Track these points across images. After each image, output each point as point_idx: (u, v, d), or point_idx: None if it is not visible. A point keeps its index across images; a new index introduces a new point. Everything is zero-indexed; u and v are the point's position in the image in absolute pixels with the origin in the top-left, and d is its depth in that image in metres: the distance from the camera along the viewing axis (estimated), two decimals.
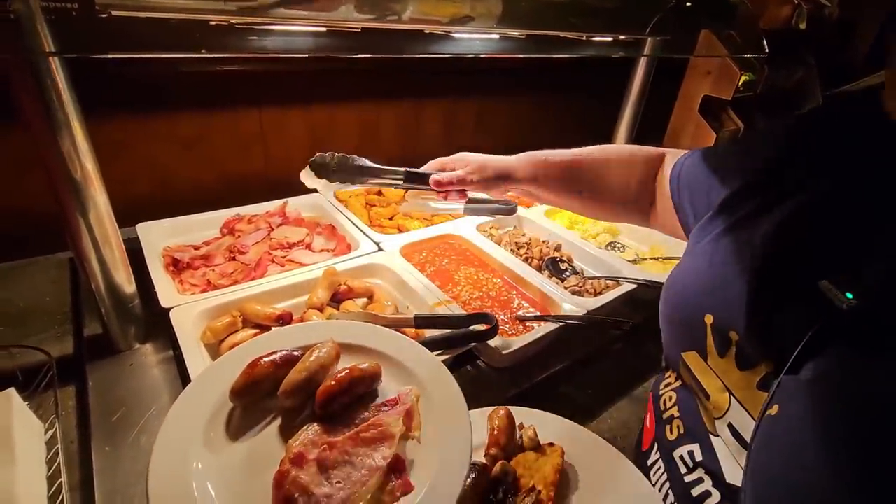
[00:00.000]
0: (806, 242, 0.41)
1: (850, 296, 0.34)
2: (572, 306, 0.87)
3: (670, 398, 0.53)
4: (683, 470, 0.48)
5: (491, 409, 0.59)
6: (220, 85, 1.25)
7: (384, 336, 0.55)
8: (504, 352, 0.75)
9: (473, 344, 0.76)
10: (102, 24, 0.52)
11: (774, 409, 0.37)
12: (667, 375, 0.56)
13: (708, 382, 0.45)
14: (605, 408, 0.81)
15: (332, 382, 0.46)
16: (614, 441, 0.75)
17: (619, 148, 0.71)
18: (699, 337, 0.45)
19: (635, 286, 0.94)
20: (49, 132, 0.59)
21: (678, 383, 0.52)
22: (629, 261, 1.06)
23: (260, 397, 0.48)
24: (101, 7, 0.50)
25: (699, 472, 0.46)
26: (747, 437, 0.40)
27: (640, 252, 1.17)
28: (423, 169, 0.73)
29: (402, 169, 0.73)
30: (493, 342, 0.75)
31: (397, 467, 0.41)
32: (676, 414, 0.51)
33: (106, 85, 1.04)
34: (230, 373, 0.48)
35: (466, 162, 0.69)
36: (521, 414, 0.60)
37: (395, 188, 0.78)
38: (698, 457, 0.46)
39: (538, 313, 0.88)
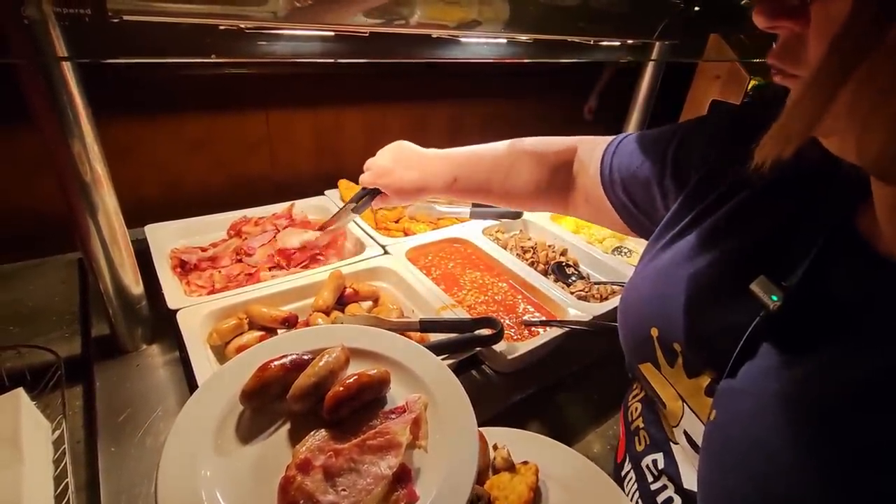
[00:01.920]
0: (735, 248, 0.41)
1: (775, 298, 0.34)
2: (578, 311, 0.86)
3: (636, 409, 0.54)
4: (650, 478, 0.49)
5: None
6: (228, 87, 1.26)
7: (394, 342, 0.55)
8: (509, 357, 0.75)
9: (478, 348, 0.75)
10: (114, 29, 0.53)
11: (713, 415, 0.38)
12: (634, 387, 0.57)
13: (663, 391, 0.46)
14: (611, 414, 0.80)
15: (341, 388, 0.46)
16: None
17: (531, 142, 0.69)
18: (649, 349, 0.46)
19: None
20: (60, 135, 0.60)
21: (642, 394, 0.53)
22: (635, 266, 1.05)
23: (270, 400, 0.48)
24: (112, 12, 0.51)
25: (663, 480, 0.47)
26: (700, 443, 0.41)
27: None
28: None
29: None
30: (498, 347, 0.75)
31: (403, 476, 0.41)
32: (642, 425, 0.52)
33: (115, 88, 1.06)
34: (239, 376, 0.48)
35: (383, 175, 0.73)
36: (495, 434, 0.59)
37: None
38: (661, 465, 0.48)
39: (544, 318, 0.88)
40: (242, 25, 0.63)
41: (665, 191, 0.51)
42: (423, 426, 0.44)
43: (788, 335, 0.35)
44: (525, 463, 0.55)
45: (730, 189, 0.44)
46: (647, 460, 0.50)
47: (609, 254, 1.12)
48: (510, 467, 0.54)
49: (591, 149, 0.63)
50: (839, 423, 0.30)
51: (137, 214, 0.98)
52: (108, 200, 0.67)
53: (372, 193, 0.76)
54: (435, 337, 0.77)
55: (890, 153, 0.26)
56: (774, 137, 0.28)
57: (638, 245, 1.21)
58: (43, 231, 0.98)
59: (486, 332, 0.73)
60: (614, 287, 0.97)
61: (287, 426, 0.47)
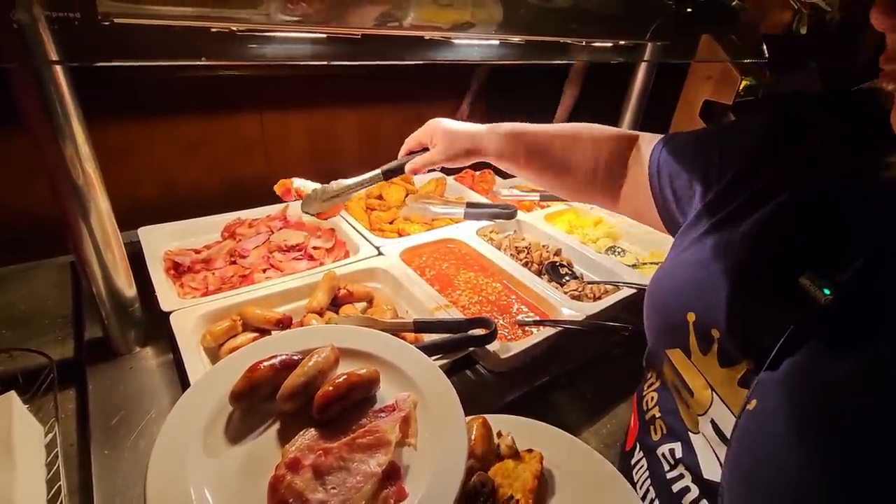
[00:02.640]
0: (785, 241, 0.41)
1: (827, 292, 0.35)
2: (572, 311, 0.87)
3: (652, 399, 0.54)
4: (666, 467, 0.49)
5: (468, 418, 0.57)
6: (222, 89, 1.26)
7: (384, 341, 0.55)
8: (503, 356, 0.75)
9: (472, 348, 0.76)
10: (105, 32, 0.53)
11: (752, 405, 0.38)
12: (648, 376, 0.56)
13: (691, 379, 0.46)
14: (605, 412, 0.81)
15: (330, 388, 0.46)
16: (614, 445, 0.75)
17: (591, 127, 0.70)
18: (682, 335, 0.46)
19: (635, 291, 0.94)
20: (52, 138, 0.60)
21: (658, 383, 0.53)
22: (629, 265, 1.06)
23: (259, 401, 0.48)
24: (102, 15, 0.51)
25: (680, 469, 0.47)
26: (728, 433, 0.41)
27: (640, 256, 1.17)
28: (401, 150, 0.77)
29: (379, 170, 0.78)
30: (491, 347, 0.75)
31: (392, 474, 0.41)
32: (658, 414, 0.52)
33: (109, 90, 1.05)
34: (230, 377, 0.48)
35: (434, 135, 0.72)
36: (500, 422, 0.59)
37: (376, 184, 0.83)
38: (679, 454, 0.48)
39: (537, 318, 0.88)
40: (234, 28, 0.63)
41: (709, 183, 0.52)
42: (413, 424, 0.44)
43: (836, 331, 0.34)
44: (530, 451, 0.55)
45: (779, 183, 0.44)
46: (664, 449, 0.50)
47: (603, 254, 1.13)
48: (515, 455, 0.55)
49: (650, 142, 0.63)
50: (881, 423, 0.30)
51: (133, 216, 0.98)
52: (100, 203, 0.67)
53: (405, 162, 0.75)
54: (429, 337, 0.78)
55: None
56: None
57: (631, 245, 1.22)
58: (36, 234, 0.98)
59: (479, 331, 0.74)
60: (607, 287, 0.98)
61: (277, 426, 0.47)
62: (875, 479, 0.30)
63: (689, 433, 0.47)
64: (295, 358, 0.50)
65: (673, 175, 0.57)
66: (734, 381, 0.41)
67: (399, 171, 0.76)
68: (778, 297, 0.39)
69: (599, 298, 0.94)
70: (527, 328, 0.86)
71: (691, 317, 0.45)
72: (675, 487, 0.47)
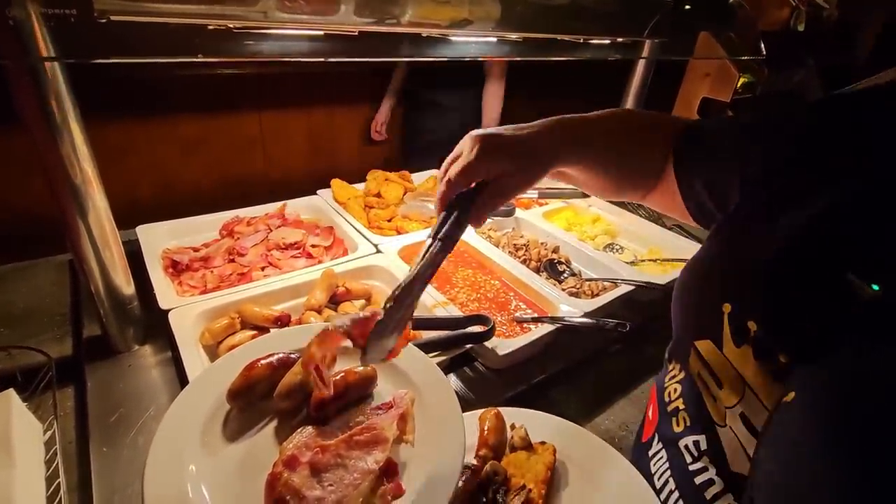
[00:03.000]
0: (834, 237, 0.39)
1: (876, 287, 0.34)
2: (570, 308, 0.87)
3: (675, 390, 0.53)
4: (689, 459, 0.48)
5: (481, 410, 0.59)
6: (221, 88, 1.26)
7: None
8: (501, 353, 0.75)
9: (470, 345, 0.76)
10: (101, 29, 0.53)
11: (790, 397, 0.37)
12: (671, 368, 0.55)
13: (721, 371, 0.45)
14: (603, 409, 0.81)
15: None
16: (612, 442, 0.75)
17: (641, 116, 0.63)
18: (715, 326, 0.44)
19: (633, 288, 0.94)
20: (49, 136, 0.60)
21: (682, 375, 0.52)
22: (627, 262, 1.06)
23: (257, 399, 0.48)
24: (99, 13, 0.51)
25: (704, 461, 0.46)
26: (759, 427, 0.40)
27: (639, 254, 1.17)
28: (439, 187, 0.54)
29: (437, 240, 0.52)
30: (490, 344, 0.75)
31: (390, 471, 0.41)
32: (682, 406, 0.51)
33: (108, 89, 1.06)
34: (228, 375, 0.48)
35: (496, 157, 0.52)
36: (513, 414, 0.60)
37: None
38: (703, 446, 0.47)
39: (535, 315, 0.89)
40: (231, 25, 0.63)
41: (748, 180, 0.48)
42: (410, 421, 0.44)
43: (885, 326, 0.34)
44: (543, 443, 0.56)
45: (826, 179, 0.42)
46: (686, 441, 0.49)
47: (601, 251, 1.13)
48: (528, 446, 0.56)
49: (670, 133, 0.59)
50: None
51: (132, 215, 0.98)
52: (98, 201, 0.67)
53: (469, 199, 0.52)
54: (427, 334, 0.78)
55: None
56: None
57: (630, 242, 1.22)
58: (35, 232, 0.98)
59: (477, 329, 0.74)
60: (605, 283, 0.98)
61: (274, 424, 0.47)
62: None
63: (716, 426, 0.46)
64: (292, 356, 0.50)
65: (706, 171, 0.54)
66: (768, 374, 0.40)
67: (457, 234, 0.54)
68: (820, 291, 0.38)
69: (597, 295, 0.94)
70: (525, 325, 0.86)
71: (727, 308, 0.44)
72: (698, 480, 0.47)
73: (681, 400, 0.51)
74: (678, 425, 0.51)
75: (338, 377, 0.47)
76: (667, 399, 0.54)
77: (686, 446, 0.49)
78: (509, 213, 0.90)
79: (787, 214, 0.43)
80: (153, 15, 0.55)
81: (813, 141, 0.45)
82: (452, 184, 0.52)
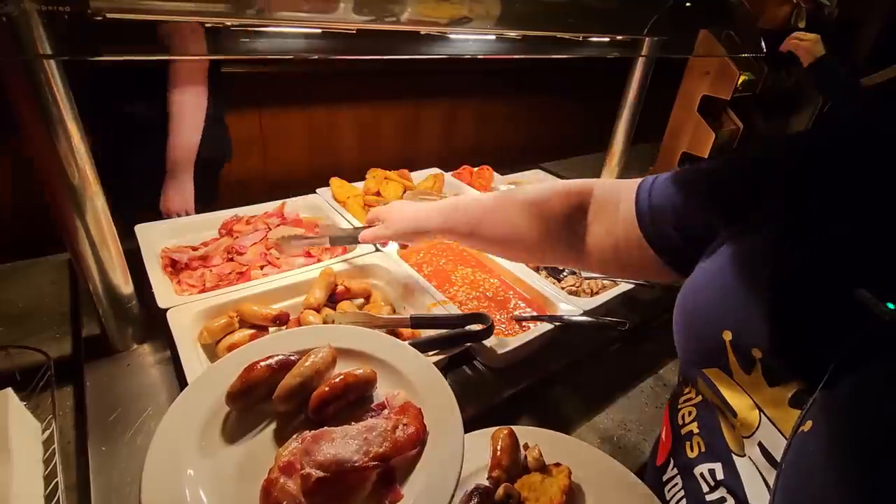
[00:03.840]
0: (834, 252, 0.38)
1: (892, 306, 0.32)
2: (569, 306, 0.87)
3: (689, 413, 0.50)
4: (705, 488, 0.46)
5: (494, 429, 0.57)
6: (221, 87, 1.26)
7: (381, 341, 0.55)
8: (500, 352, 0.75)
9: (469, 344, 0.76)
10: (97, 26, 0.53)
11: (808, 426, 0.35)
12: (686, 391, 0.52)
13: (735, 400, 0.42)
14: (603, 407, 0.81)
15: (326, 388, 0.46)
16: (611, 440, 0.75)
17: (523, 189, 0.68)
18: (719, 355, 0.42)
19: (633, 286, 0.94)
20: (45, 135, 0.59)
21: (698, 399, 0.49)
22: None
23: (256, 401, 0.48)
24: (94, 10, 0.50)
25: (721, 492, 0.44)
26: (778, 456, 0.38)
27: None
28: (365, 220, 0.85)
29: (328, 236, 0.89)
30: (489, 342, 0.75)
31: (387, 476, 0.41)
32: (696, 430, 0.48)
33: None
34: (227, 376, 0.48)
35: (390, 212, 0.79)
36: (526, 433, 0.58)
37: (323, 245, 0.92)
38: (720, 476, 0.44)
39: (535, 313, 0.88)
40: (227, 23, 0.63)
41: (734, 215, 0.46)
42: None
43: None
44: (557, 465, 0.54)
45: (824, 196, 0.40)
46: (702, 469, 0.46)
47: None
48: (542, 468, 0.54)
49: (614, 190, 0.59)
50: None
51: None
52: (96, 201, 0.66)
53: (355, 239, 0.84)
54: (426, 333, 0.78)
55: None
56: None
57: None
58: (34, 231, 0.98)
59: (476, 327, 0.74)
60: (605, 282, 0.98)
61: (273, 427, 0.47)
62: None
63: (733, 455, 0.43)
64: (292, 358, 0.50)
65: (678, 213, 0.51)
66: (784, 401, 0.38)
67: (350, 240, 0.87)
68: (829, 310, 0.36)
69: (597, 294, 0.94)
70: (524, 324, 0.86)
71: (727, 335, 0.41)
72: None
73: (695, 424, 0.49)
74: (692, 451, 0.48)
75: (337, 378, 0.47)
76: (680, 422, 0.51)
77: (702, 474, 0.46)
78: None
79: (781, 234, 0.41)
80: (150, 13, 0.55)
81: (808, 169, 0.43)
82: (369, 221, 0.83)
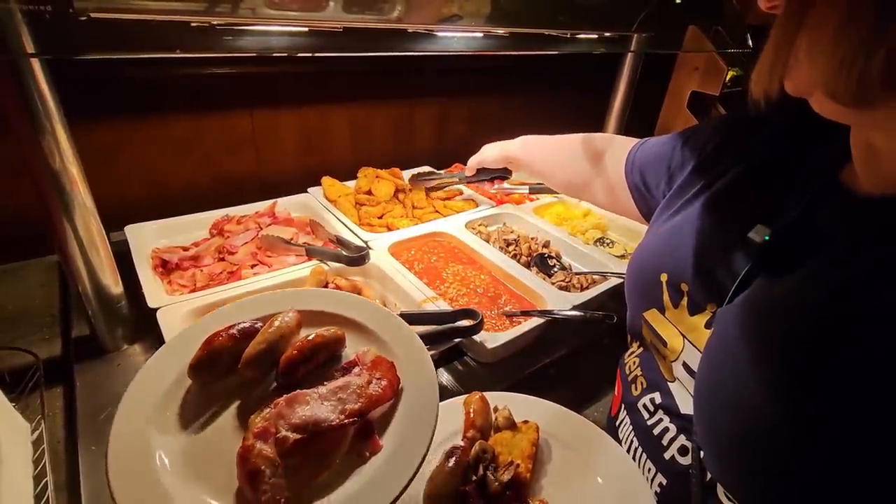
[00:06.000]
0: (736, 206, 0.51)
1: (767, 237, 0.43)
2: (559, 301, 0.87)
3: (634, 363, 0.61)
4: (646, 416, 0.56)
5: (466, 395, 0.61)
6: (212, 87, 1.25)
7: (345, 301, 0.54)
8: (490, 346, 0.76)
9: (459, 339, 0.76)
10: (82, 25, 0.53)
11: (711, 333, 0.46)
12: (630, 346, 0.65)
13: (665, 332, 0.54)
14: (593, 400, 0.82)
15: (295, 351, 0.45)
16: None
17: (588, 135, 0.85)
18: (657, 294, 0.55)
19: (622, 281, 0.95)
20: (32, 135, 0.60)
21: (640, 349, 0.61)
22: (617, 256, 1.07)
23: (221, 374, 0.46)
24: (79, 10, 0.51)
25: (659, 414, 0.55)
26: (696, 369, 0.48)
27: (629, 247, 1.18)
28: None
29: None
30: (479, 337, 0.75)
31: (366, 429, 0.42)
32: (639, 372, 0.59)
33: (98, 89, 1.05)
34: (190, 349, 0.46)
35: (481, 152, 0.99)
36: (495, 398, 0.63)
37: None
38: (658, 400, 0.55)
39: (525, 309, 0.89)
40: (214, 22, 0.63)
41: (671, 173, 0.63)
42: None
43: (775, 264, 0.43)
44: (526, 422, 0.59)
45: (731, 163, 0.54)
46: (644, 400, 0.57)
47: (591, 245, 1.13)
48: (512, 426, 0.58)
49: (624, 144, 0.77)
50: (800, 331, 0.38)
51: (124, 215, 0.98)
52: (85, 201, 0.67)
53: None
54: (416, 329, 0.78)
55: (829, 75, 0.33)
56: (759, 72, 0.37)
57: (620, 236, 1.23)
58: (24, 233, 0.98)
59: (466, 322, 0.74)
60: (594, 277, 0.98)
61: (238, 402, 0.46)
62: (811, 379, 0.36)
63: (667, 383, 0.54)
64: (257, 326, 0.48)
65: (644, 170, 0.69)
66: (701, 325, 0.50)
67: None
68: (734, 249, 0.48)
69: (587, 288, 0.95)
70: (514, 319, 0.86)
71: (664, 277, 0.54)
72: (656, 431, 0.54)
73: (638, 369, 0.60)
74: (636, 389, 0.59)
75: (305, 339, 0.46)
76: (627, 372, 0.62)
77: (644, 405, 0.57)
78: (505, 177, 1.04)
79: (703, 194, 0.54)
80: (134, 12, 0.55)
81: (715, 143, 0.57)
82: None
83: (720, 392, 0.42)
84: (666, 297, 0.54)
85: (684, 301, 0.52)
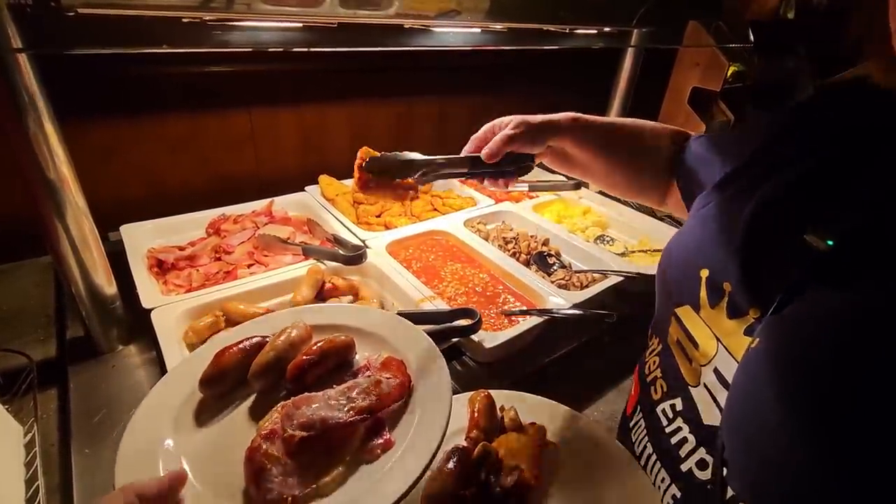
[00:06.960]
0: (792, 206, 0.46)
1: (830, 243, 0.39)
2: (558, 300, 0.86)
3: (654, 363, 0.58)
4: (664, 422, 0.53)
5: (471, 393, 0.59)
6: (210, 86, 1.25)
7: (355, 312, 0.55)
8: (488, 346, 0.75)
9: (456, 339, 0.75)
10: (70, 21, 0.52)
11: (755, 343, 0.41)
12: (651, 344, 0.60)
13: (698, 333, 0.50)
14: (593, 400, 0.81)
15: (303, 356, 0.45)
16: None
17: (652, 122, 0.73)
18: (694, 290, 0.51)
19: (622, 279, 0.94)
20: (23, 134, 0.59)
21: (660, 348, 0.57)
22: (617, 254, 1.06)
23: (231, 387, 0.47)
24: (66, 6, 0.50)
25: (678, 422, 0.51)
26: (730, 378, 0.45)
27: (629, 245, 1.17)
28: (463, 153, 0.67)
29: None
30: (477, 337, 0.75)
31: (377, 427, 0.42)
32: (659, 375, 0.56)
33: (95, 88, 1.04)
34: (203, 365, 0.47)
35: (505, 121, 0.66)
36: (503, 397, 0.61)
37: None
38: (679, 408, 0.51)
39: (524, 308, 0.88)
40: (205, 17, 0.62)
41: (724, 169, 0.56)
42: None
43: (834, 276, 0.39)
44: (533, 424, 0.57)
45: (789, 160, 0.49)
46: (664, 406, 0.53)
47: (591, 242, 1.12)
48: (518, 427, 0.57)
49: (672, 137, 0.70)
50: (858, 350, 0.34)
51: (122, 215, 0.97)
52: (77, 201, 0.66)
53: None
54: None
55: None
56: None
57: (620, 234, 1.22)
58: (18, 234, 0.97)
59: (464, 322, 0.73)
60: (595, 275, 0.97)
61: (249, 405, 0.46)
62: (863, 406, 0.33)
63: (690, 388, 0.51)
64: (266, 339, 0.49)
65: (693, 168, 0.63)
66: (740, 330, 0.45)
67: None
68: (785, 250, 0.44)
69: (587, 287, 0.94)
70: (513, 318, 0.85)
71: (704, 273, 0.50)
72: (674, 440, 0.51)
73: (659, 370, 0.56)
74: (656, 393, 0.55)
75: (315, 345, 0.47)
76: (647, 372, 0.59)
77: (663, 410, 0.53)
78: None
79: (752, 196, 0.49)
80: (123, 7, 0.54)
81: (770, 141, 0.53)
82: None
83: (763, 410, 0.38)
84: (703, 294, 0.50)
85: (724, 302, 0.47)
